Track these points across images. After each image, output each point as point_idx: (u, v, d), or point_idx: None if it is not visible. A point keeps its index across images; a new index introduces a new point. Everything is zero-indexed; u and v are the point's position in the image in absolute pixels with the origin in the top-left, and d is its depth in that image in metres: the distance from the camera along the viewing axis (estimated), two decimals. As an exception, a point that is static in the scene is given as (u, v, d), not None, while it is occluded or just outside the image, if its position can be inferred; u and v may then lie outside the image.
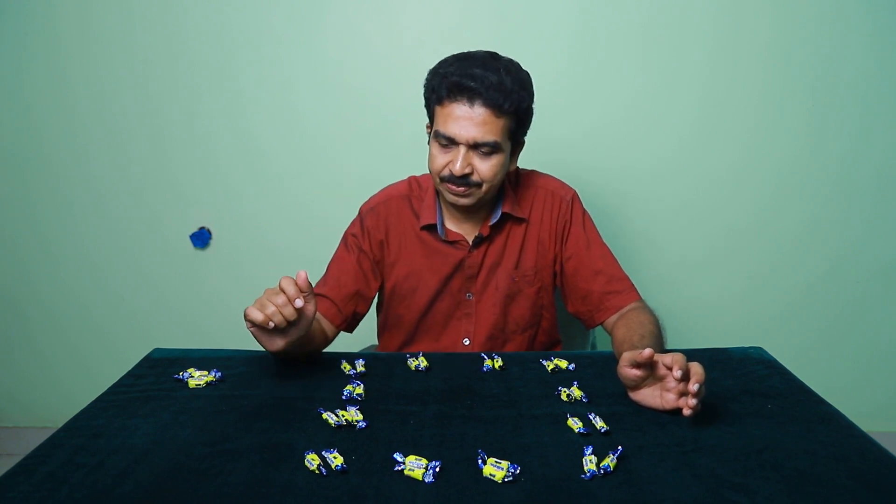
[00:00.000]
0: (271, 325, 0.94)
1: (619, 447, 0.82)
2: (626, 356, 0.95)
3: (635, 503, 0.74)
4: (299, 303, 0.95)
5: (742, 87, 1.88)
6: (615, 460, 0.80)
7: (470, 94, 1.12)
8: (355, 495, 0.75)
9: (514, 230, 1.31)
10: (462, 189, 1.18)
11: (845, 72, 1.86)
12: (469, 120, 1.13)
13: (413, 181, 1.35)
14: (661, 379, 0.94)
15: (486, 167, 1.17)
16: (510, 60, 1.18)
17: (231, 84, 1.89)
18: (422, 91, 1.22)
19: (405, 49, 1.86)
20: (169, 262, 2.04)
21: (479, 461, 0.80)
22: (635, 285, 1.29)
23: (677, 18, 1.83)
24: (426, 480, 0.77)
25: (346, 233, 1.35)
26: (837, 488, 0.76)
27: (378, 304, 1.42)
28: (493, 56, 1.18)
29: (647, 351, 0.91)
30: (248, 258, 2.02)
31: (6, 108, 1.92)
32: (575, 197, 1.34)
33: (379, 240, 1.31)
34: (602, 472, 0.78)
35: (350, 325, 1.31)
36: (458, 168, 1.15)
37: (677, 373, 0.89)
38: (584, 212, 1.34)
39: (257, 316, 0.94)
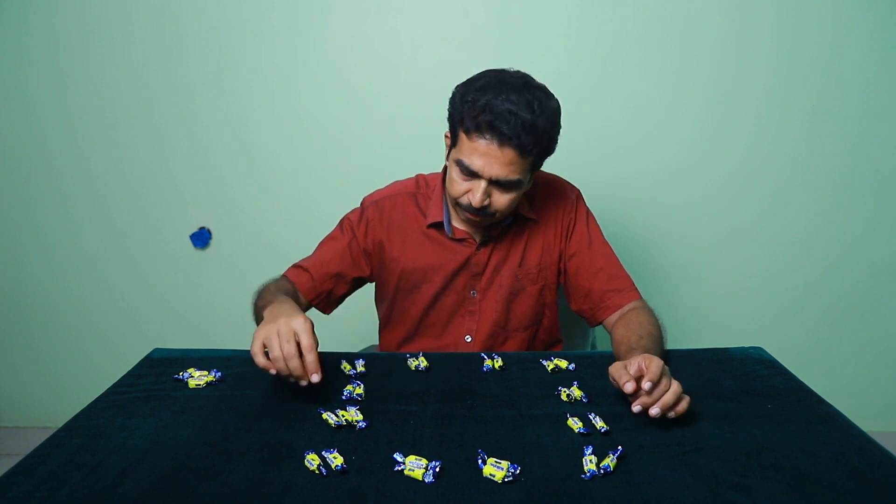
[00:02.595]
0: (273, 372, 0.93)
1: (619, 447, 0.82)
2: (614, 375, 0.94)
3: (635, 503, 0.74)
4: (316, 378, 0.93)
5: (743, 89, 1.88)
6: (615, 460, 0.80)
7: (501, 137, 1.09)
8: (355, 495, 0.75)
9: (520, 229, 1.31)
10: (477, 219, 1.20)
11: (846, 73, 1.86)
12: (495, 158, 1.11)
13: (420, 179, 1.35)
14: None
15: (503, 200, 1.17)
16: (542, 89, 1.13)
17: (231, 84, 1.89)
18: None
19: (404, 50, 1.85)
20: (169, 262, 2.04)
21: (479, 461, 0.80)
22: (637, 285, 1.29)
23: (678, 21, 1.83)
24: (426, 480, 0.77)
25: (343, 217, 1.35)
26: (837, 488, 0.76)
27: (379, 298, 1.42)
28: (525, 84, 1.11)
29: (628, 386, 0.89)
30: (248, 258, 2.02)
31: (5, 108, 1.92)
32: (579, 195, 1.35)
33: (378, 233, 1.31)
34: (602, 472, 0.78)
35: (323, 303, 1.31)
36: (477, 201, 1.14)
37: (646, 385, 0.88)
38: (588, 210, 1.35)
39: (260, 361, 0.93)
